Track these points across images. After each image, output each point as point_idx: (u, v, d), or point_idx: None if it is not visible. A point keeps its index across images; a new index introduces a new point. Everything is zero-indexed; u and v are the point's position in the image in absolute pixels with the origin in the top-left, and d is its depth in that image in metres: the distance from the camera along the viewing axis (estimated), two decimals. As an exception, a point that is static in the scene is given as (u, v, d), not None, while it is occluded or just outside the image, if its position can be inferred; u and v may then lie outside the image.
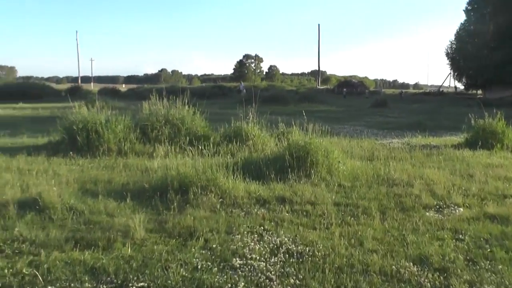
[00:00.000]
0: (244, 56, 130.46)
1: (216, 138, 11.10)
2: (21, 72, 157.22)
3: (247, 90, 41.06)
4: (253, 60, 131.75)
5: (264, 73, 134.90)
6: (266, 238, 5.19)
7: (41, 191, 6.34)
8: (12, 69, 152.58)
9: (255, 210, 6.24)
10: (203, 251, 4.77)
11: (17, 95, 37.18)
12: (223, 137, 11.15)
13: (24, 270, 4.27)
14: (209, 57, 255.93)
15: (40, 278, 4.12)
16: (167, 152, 9.79)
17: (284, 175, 7.82)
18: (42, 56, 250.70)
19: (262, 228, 5.52)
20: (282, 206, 6.44)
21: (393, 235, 5.36)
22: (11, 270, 4.30)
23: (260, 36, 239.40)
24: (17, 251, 4.80)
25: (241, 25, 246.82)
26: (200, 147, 8.78)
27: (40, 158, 9.78)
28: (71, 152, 10.12)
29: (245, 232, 5.34)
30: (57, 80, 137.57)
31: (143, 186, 7.05)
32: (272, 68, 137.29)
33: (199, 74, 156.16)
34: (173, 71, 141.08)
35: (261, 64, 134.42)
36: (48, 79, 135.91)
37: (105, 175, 8.18)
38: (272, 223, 5.73)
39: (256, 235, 5.27)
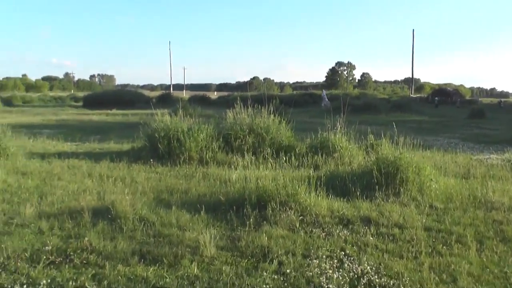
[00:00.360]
0: (336, 63, 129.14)
1: (301, 149, 10.72)
2: (119, 80, 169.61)
3: (331, 99, 39.54)
4: (345, 68, 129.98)
5: (357, 80, 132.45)
6: (346, 265, 4.71)
7: (114, 200, 6.37)
8: (111, 78, 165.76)
9: (337, 231, 5.76)
10: (275, 276, 4.41)
11: (113, 101, 39.72)
12: (309, 148, 10.74)
13: (86, 284, 4.21)
14: (301, 65, 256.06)
15: (100, 294, 4.01)
16: (249, 162, 9.60)
17: (371, 193, 7.29)
18: (138, 65, 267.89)
19: (343, 253, 5.04)
20: (366, 228, 5.91)
21: (492, 271, 4.64)
22: (74, 283, 4.26)
23: (353, 43, 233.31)
24: (84, 262, 4.81)
25: (334, 32, 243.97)
26: (284, 158, 8.48)
27: (121, 165, 10.07)
28: (151, 160, 10.29)
29: (324, 257, 4.89)
30: (152, 87, 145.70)
31: (219, 198, 6.86)
32: (364, 76, 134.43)
33: (291, 82, 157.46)
34: (265, 79, 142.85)
35: (354, 72, 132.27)
36: (143, 86, 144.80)
37: (183, 185, 8.13)
38: (355, 247, 5.25)
39: (335, 261, 4.81)
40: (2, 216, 6.33)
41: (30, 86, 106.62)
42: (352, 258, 4.90)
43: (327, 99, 41.63)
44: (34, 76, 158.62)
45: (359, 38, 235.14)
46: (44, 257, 4.89)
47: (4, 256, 4.95)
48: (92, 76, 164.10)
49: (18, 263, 4.77)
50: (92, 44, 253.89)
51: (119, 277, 4.37)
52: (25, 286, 4.25)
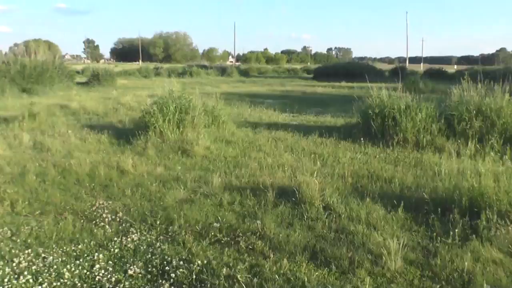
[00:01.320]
0: None
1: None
2: (356, 53, 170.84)
3: None
4: None
5: None
6: None
7: (301, 182, 5.84)
8: (348, 51, 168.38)
9: None
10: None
11: (342, 74, 39.85)
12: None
13: (239, 276, 3.79)
14: None
15: (248, 294, 3.55)
16: (471, 152, 8.02)
17: None
18: (375, 38, 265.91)
19: None
20: None
21: None
22: (227, 271, 3.93)
23: None
24: (249, 247, 4.47)
25: None
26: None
27: (329, 141, 9.60)
28: (362, 139, 9.51)
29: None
30: (389, 60, 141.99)
31: (424, 195, 5.71)
32: None
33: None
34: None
35: None
36: (381, 59, 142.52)
37: (389, 171, 7.15)
38: None
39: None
40: (192, 183, 6.48)
41: (270, 59, 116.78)
42: None
43: None
44: (274, 50, 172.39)
45: None
46: (212, 233, 4.73)
47: (177, 225, 4.96)
48: (329, 49, 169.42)
49: (186, 235, 4.69)
50: (329, 18, 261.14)
51: (277, 276, 3.83)
52: (181, 262, 4.11)
